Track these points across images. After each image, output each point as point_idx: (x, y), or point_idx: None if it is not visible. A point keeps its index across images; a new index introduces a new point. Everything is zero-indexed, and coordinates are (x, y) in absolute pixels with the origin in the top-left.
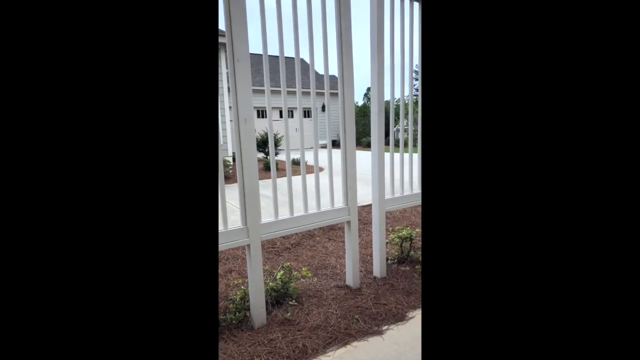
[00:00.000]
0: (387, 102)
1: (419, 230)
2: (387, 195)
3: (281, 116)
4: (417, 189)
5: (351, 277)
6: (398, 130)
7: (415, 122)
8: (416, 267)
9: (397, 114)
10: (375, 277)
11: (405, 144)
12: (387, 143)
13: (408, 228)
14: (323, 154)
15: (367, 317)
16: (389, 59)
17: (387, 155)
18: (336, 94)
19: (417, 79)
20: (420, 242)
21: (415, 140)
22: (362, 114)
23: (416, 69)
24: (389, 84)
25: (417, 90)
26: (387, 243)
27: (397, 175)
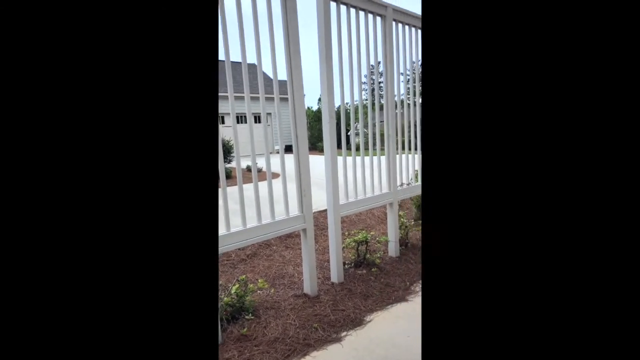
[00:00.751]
0: (340, 107)
1: (373, 232)
2: (342, 201)
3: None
4: (369, 192)
5: (309, 285)
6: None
7: (365, 126)
8: (372, 269)
9: (350, 118)
10: (333, 283)
11: (357, 148)
12: (341, 147)
13: (363, 231)
14: (276, 160)
15: (325, 324)
16: (337, 66)
17: (342, 159)
18: (286, 99)
19: (365, 83)
20: (375, 245)
21: (366, 144)
22: (317, 118)
23: (365, 74)
24: (339, 91)
25: (366, 93)
26: (343, 247)
27: (350, 178)
